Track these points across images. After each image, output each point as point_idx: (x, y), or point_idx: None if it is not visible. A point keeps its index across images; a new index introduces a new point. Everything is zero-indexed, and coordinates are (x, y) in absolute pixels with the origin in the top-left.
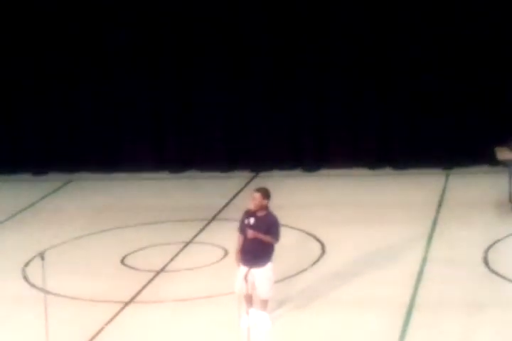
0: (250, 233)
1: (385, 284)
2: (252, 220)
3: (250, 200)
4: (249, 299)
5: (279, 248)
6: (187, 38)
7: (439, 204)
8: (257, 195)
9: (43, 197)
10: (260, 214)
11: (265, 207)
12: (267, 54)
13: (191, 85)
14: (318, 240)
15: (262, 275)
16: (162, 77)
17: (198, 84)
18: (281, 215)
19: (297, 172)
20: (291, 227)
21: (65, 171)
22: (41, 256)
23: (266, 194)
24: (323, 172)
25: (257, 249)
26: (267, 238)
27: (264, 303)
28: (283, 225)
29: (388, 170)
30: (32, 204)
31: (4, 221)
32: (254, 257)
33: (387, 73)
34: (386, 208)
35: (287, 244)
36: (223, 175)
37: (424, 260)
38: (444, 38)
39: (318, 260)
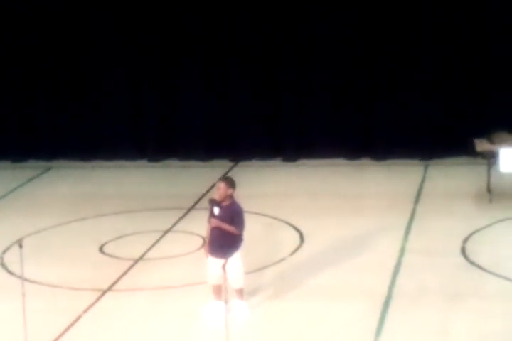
0: (213, 222)
1: (363, 274)
2: (217, 210)
3: (215, 190)
4: (217, 290)
5: (258, 237)
6: (170, 26)
7: (418, 195)
8: (222, 185)
9: (21, 185)
10: (225, 204)
11: (230, 197)
12: (248, 42)
13: (171, 73)
14: (296, 229)
15: (231, 266)
16: (142, 65)
17: (179, 72)
18: (260, 204)
19: (277, 161)
20: (270, 216)
21: (44, 159)
22: (19, 243)
23: (230, 184)
24: (303, 162)
25: (222, 239)
26: (229, 228)
27: (239, 292)
28: (262, 214)
29: (367, 161)
30: (10, 192)
31: None
32: (221, 247)
33: (369, 63)
34: (365, 198)
35: (266, 233)
36: (202, 164)
37: (402, 250)
38: (430, 28)
39: (296, 249)
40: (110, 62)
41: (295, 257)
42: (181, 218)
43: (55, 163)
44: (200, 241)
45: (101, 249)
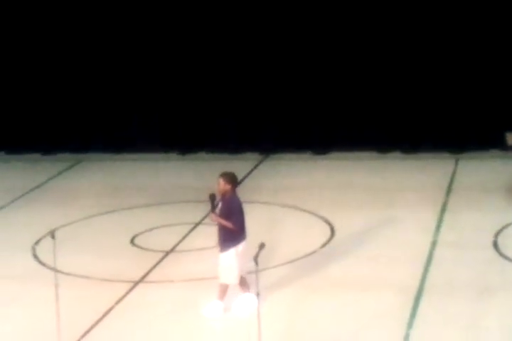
0: (212, 217)
1: (394, 267)
2: (220, 204)
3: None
4: (224, 286)
5: (288, 229)
6: (196, 13)
7: (449, 189)
8: (220, 180)
9: (52, 177)
10: (225, 198)
11: (229, 192)
12: (275, 32)
13: (201, 65)
14: (327, 222)
15: (222, 261)
16: (171, 56)
17: (208, 64)
18: (291, 197)
19: (307, 154)
20: (301, 209)
21: (74, 151)
22: (52, 234)
23: (228, 179)
24: (333, 155)
25: (221, 233)
26: (226, 223)
27: (221, 288)
28: (292, 207)
29: (397, 154)
30: (42, 184)
31: (14, 200)
32: (220, 241)
33: (397, 55)
34: (395, 191)
35: (296, 226)
36: (232, 157)
37: (434, 243)
38: (456, 19)
39: (327, 242)
40: (140, 54)
41: (326, 249)
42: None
43: (85, 156)
44: None
45: (132, 241)
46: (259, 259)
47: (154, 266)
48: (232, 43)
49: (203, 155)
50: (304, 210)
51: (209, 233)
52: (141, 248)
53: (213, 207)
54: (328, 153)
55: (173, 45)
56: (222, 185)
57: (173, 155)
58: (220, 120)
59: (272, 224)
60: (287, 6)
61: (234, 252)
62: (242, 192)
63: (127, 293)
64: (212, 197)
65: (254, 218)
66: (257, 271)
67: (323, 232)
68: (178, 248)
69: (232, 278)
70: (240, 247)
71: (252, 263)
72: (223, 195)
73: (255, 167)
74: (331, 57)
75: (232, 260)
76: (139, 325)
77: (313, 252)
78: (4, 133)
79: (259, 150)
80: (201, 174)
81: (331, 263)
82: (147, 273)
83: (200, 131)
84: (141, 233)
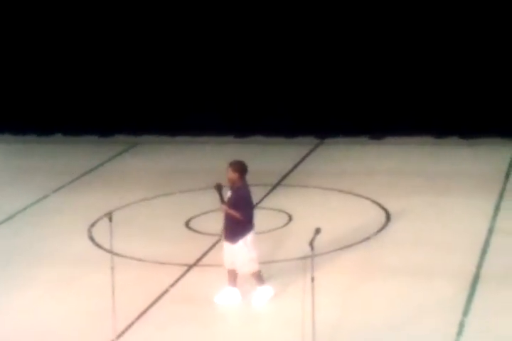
0: (221, 208)
1: (449, 254)
2: (228, 194)
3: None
4: (231, 275)
5: (343, 214)
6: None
7: (507, 175)
8: (229, 169)
9: (108, 160)
10: (234, 188)
11: (238, 182)
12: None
13: (256, 49)
14: (383, 208)
15: (236, 252)
16: (228, 43)
17: (264, 48)
18: (346, 182)
19: (363, 139)
20: (356, 195)
21: (131, 134)
22: (109, 217)
23: (237, 168)
24: (390, 140)
25: (230, 224)
26: (234, 213)
27: (254, 277)
28: (348, 192)
29: (455, 139)
30: (98, 166)
31: (71, 182)
32: (230, 232)
33: (457, 44)
34: (452, 177)
35: (351, 211)
36: (288, 140)
37: (491, 230)
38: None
39: (382, 228)
40: (197, 39)
41: (381, 236)
42: (267, 195)
43: (141, 139)
44: (286, 218)
45: (187, 224)
46: (315, 244)
47: (209, 250)
48: (291, 29)
49: (259, 138)
50: (360, 195)
51: (263, 217)
52: (196, 231)
53: (221, 198)
54: (384, 138)
55: (229, 30)
56: (230, 174)
57: (229, 139)
58: (276, 103)
59: (327, 209)
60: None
61: (242, 243)
62: (298, 177)
63: (182, 276)
64: (219, 187)
65: (309, 203)
66: (312, 256)
67: (378, 218)
68: None
69: (251, 266)
70: (249, 238)
71: (302, 248)
72: (232, 185)
73: (311, 151)
74: (387, 41)
75: (243, 250)
76: (193, 309)
77: (369, 238)
78: (62, 115)
79: (315, 134)
80: (257, 158)
81: (386, 249)
82: (202, 257)
83: (256, 115)
84: (197, 216)
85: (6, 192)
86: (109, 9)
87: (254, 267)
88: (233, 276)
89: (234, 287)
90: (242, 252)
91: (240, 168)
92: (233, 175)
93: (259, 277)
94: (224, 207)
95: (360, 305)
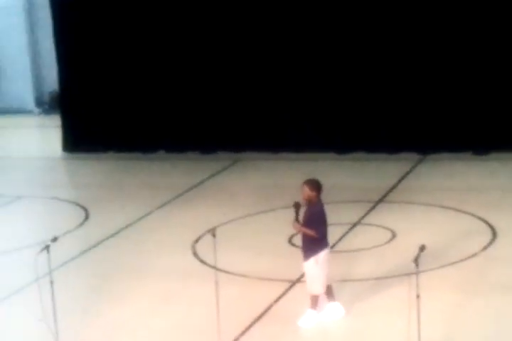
0: (294, 226)
1: None
2: (303, 212)
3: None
4: (327, 290)
5: (448, 231)
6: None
7: None
8: (305, 187)
9: (211, 176)
10: (309, 206)
11: (313, 200)
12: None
13: (359, 68)
14: (488, 225)
15: (306, 270)
16: (332, 61)
17: (364, 68)
18: (450, 198)
19: (467, 155)
20: (461, 211)
21: (232, 150)
22: (213, 232)
23: (314, 187)
24: (494, 156)
25: (303, 241)
26: (309, 231)
27: (311, 299)
28: (452, 209)
29: None
30: (201, 182)
31: (175, 198)
32: (303, 250)
33: None
34: None
35: (456, 228)
36: (390, 157)
37: None
38: None
39: (489, 245)
40: (289, 53)
41: (487, 252)
42: (370, 211)
43: (243, 155)
44: (389, 235)
45: (290, 240)
46: (419, 261)
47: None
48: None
49: (361, 155)
50: (464, 212)
51: (366, 234)
52: (299, 247)
53: (297, 216)
54: (488, 154)
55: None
56: (307, 192)
57: (331, 155)
58: (378, 120)
59: (431, 226)
60: None
61: (313, 261)
62: (400, 193)
63: (285, 292)
64: (297, 206)
65: (412, 219)
66: (417, 273)
67: (484, 234)
68: (335, 248)
69: (316, 287)
70: (321, 256)
71: (406, 265)
72: (308, 203)
73: (413, 167)
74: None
75: (313, 269)
76: (296, 325)
77: (474, 255)
78: (164, 132)
79: (417, 150)
80: (359, 174)
81: (493, 266)
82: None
83: (357, 131)
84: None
85: (111, 208)
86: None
87: (319, 290)
88: (329, 292)
89: (333, 301)
90: (311, 271)
91: (317, 186)
92: (310, 194)
93: (315, 301)
94: (297, 225)
95: (466, 323)
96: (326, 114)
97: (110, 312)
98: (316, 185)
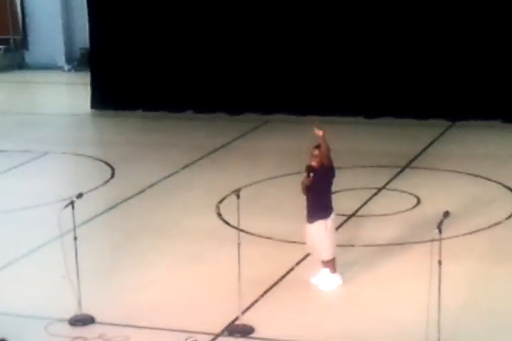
0: (304, 181)
1: None
2: (312, 175)
3: (310, 156)
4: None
5: (472, 198)
6: None
7: None
8: (316, 152)
9: (238, 137)
10: (319, 170)
11: (325, 163)
12: None
13: (391, 42)
14: None
15: (313, 234)
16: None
17: (395, 42)
18: (477, 166)
19: (496, 122)
20: (486, 178)
21: (261, 112)
22: (237, 194)
23: (323, 151)
24: None
25: (309, 203)
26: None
27: (324, 264)
28: (479, 176)
29: None
30: (228, 144)
31: (200, 159)
32: (308, 212)
33: None
34: None
35: (482, 196)
36: (420, 122)
37: None
38: None
39: None
40: (329, 21)
41: (511, 222)
42: (395, 176)
43: (270, 117)
44: (414, 201)
45: None
46: (443, 227)
47: (335, 230)
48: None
49: (390, 120)
50: (491, 180)
51: (391, 199)
52: None
53: (308, 175)
54: None
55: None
56: (318, 155)
57: (360, 119)
58: (408, 86)
59: (456, 193)
60: None
61: (323, 226)
62: (426, 159)
63: (307, 254)
64: (310, 169)
65: (438, 186)
66: (440, 239)
67: (508, 202)
68: (359, 212)
69: (328, 253)
70: (329, 221)
71: (430, 231)
72: (319, 167)
73: (441, 134)
74: None
75: (323, 234)
76: (317, 289)
77: (499, 223)
78: (193, 92)
79: (446, 117)
80: (386, 139)
81: None
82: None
83: (387, 96)
84: None
85: (138, 167)
86: None
87: (331, 255)
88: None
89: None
90: (319, 236)
91: (328, 151)
92: (322, 158)
93: (332, 265)
94: (307, 180)
95: (488, 291)
96: (355, 79)
97: (132, 271)
98: (325, 150)
